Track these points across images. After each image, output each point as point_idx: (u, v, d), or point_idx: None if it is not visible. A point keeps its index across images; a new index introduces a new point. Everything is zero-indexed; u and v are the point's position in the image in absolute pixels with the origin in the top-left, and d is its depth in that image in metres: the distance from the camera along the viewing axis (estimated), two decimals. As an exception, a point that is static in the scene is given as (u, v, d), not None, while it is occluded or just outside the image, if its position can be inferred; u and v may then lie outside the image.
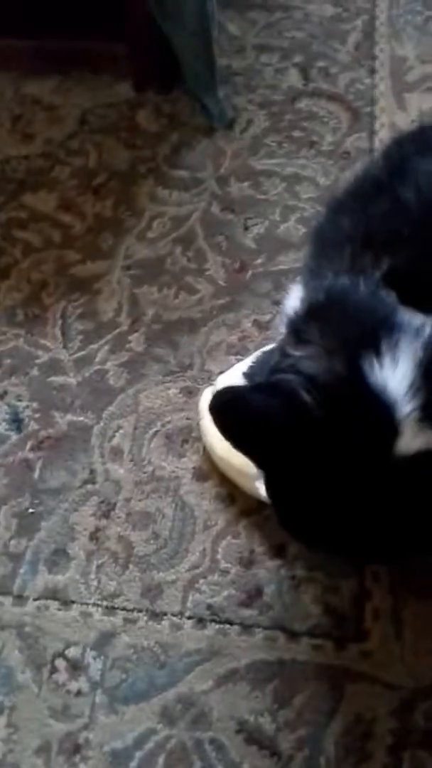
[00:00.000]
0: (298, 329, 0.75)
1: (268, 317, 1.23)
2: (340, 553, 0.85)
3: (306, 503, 0.73)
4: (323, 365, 0.69)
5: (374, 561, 0.91)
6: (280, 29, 1.67)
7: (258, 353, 1.13)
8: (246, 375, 1.03)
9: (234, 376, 1.09)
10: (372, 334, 0.68)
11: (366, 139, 1.45)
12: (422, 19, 1.66)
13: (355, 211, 0.82)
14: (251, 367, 0.99)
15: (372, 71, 1.57)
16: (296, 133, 1.48)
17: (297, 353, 0.72)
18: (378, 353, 0.67)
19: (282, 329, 1.03)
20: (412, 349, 0.67)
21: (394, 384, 0.66)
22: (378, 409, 0.67)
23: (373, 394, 0.67)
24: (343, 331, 0.70)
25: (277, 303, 1.25)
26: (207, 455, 1.09)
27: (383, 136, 1.44)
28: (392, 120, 1.47)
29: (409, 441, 0.67)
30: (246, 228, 1.35)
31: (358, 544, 0.74)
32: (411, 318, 0.69)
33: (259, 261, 1.30)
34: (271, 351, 0.82)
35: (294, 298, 0.85)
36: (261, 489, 0.99)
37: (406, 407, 0.66)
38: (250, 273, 1.29)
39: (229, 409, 0.71)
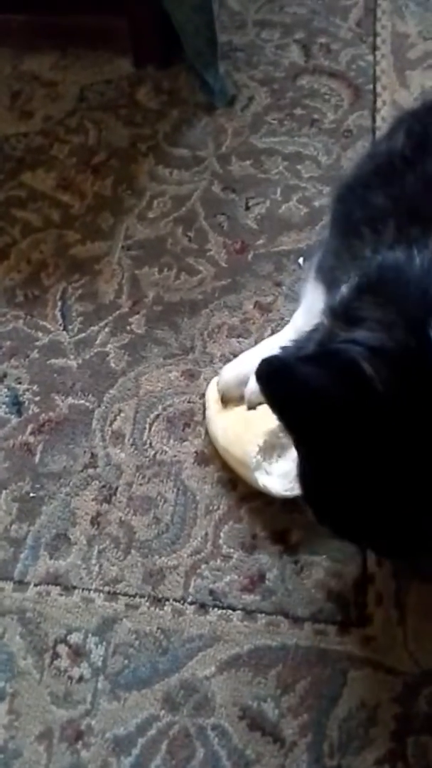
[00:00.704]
0: (347, 309, 0.70)
1: (270, 299, 1.22)
2: (383, 550, 0.81)
3: (354, 490, 0.69)
4: (385, 337, 0.65)
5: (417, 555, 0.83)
6: (282, 5, 1.64)
7: (263, 343, 1.11)
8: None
9: (239, 364, 1.08)
10: None
11: (368, 117, 1.42)
12: (426, -6, 1.63)
13: (384, 187, 0.79)
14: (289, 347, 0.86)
15: (374, 48, 1.54)
16: (297, 111, 1.45)
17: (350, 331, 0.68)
18: None
19: (301, 321, 1.00)
20: None
21: None
22: None
23: None
24: (403, 303, 0.66)
25: (279, 284, 1.23)
26: (209, 440, 1.08)
27: (385, 114, 1.42)
28: (394, 98, 1.44)
29: None
30: (247, 208, 1.33)
31: (406, 539, 0.71)
32: None
33: (260, 241, 1.28)
34: (313, 330, 0.76)
35: (314, 296, 0.82)
36: (260, 479, 0.98)
37: None
38: (251, 254, 1.27)
39: (278, 380, 0.65)
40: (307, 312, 0.98)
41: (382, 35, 1.56)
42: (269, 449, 0.99)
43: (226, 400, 1.05)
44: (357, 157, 1.29)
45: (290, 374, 0.65)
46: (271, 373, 0.65)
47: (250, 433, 1.00)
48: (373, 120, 1.42)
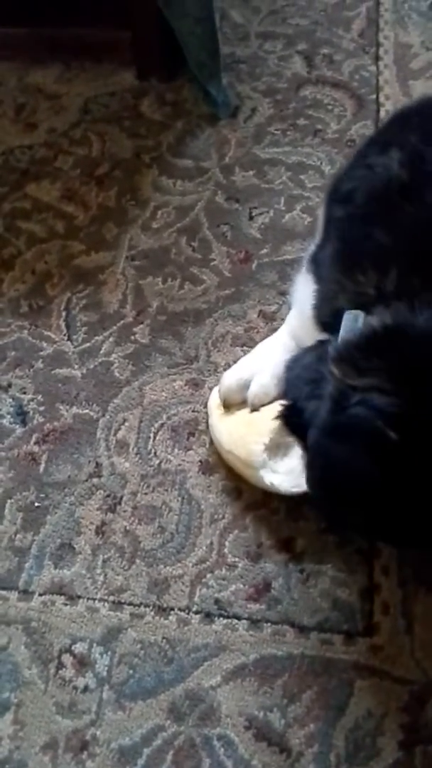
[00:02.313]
0: (354, 360, 0.72)
1: (274, 308, 1.22)
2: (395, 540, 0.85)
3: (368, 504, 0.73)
4: (398, 400, 0.67)
5: None
6: (284, 16, 1.65)
7: (259, 346, 1.12)
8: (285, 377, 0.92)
9: (239, 369, 1.08)
10: None
11: (371, 127, 1.43)
12: (427, 5, 1.64)
13: (387, 220, 0.79)
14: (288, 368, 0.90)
15: (376, 58, 1.54)
16: (301, 121, 1.46)
17: (359, 384, 0.70)
18: None
19: (295, 322, 1.02)
20: None
21: None
22: None
23: None
24: (410, 363, 0.69)
25: (283, 293, 1.23)
26: (213, 448, 1.08)
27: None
28: (397, 107, 1.45)
29: None
30: (251, 217, 1.34)
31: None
32: None
33: (264, 251, 1.29)
34: (305, 350, 0.82)
35: (305, 289, 0.83)
36: (266, 477, 0.98)
37: None
38: (255, 263, 1.28)
39: (324, 479, 0.72)
40: (300, 313, 0.98)
41: (385, 45, 1.57)
42: (274, 447, 0.99)
43: (228, 405, 1.06)
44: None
45: (330, 463, 0.71)
46: (317, 473, 0.72)
47: (253, 434, 1.00)
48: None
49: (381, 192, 0.83)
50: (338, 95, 1.50)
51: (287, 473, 0.99)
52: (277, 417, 0.80)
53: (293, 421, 0.79)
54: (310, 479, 0.76)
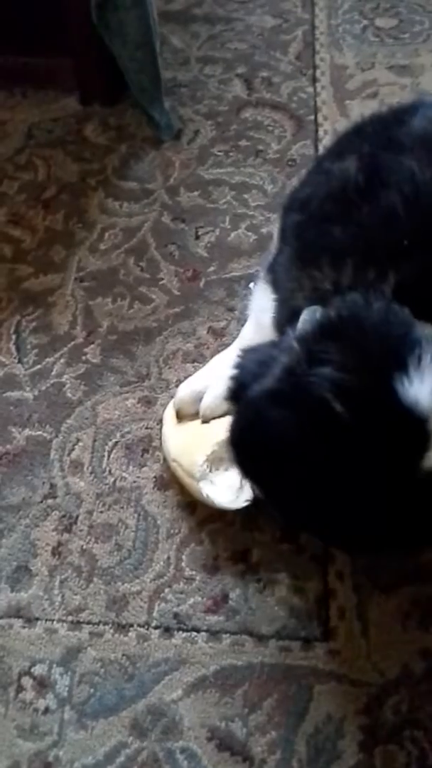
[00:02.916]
0: (310, 349, 0.74)
1: (223, 324, 1.24)
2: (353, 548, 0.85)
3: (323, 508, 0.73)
4: (349, 378, 0.69)
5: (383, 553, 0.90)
6: (223, 41, 1.69)
7: (214, 360, 1.14)
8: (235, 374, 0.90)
9: (193, 381, 1.10)
10: (395, 352, 0.69)
11: (310, 146, 1.47)
12: (360, 27, 1.70)
13: (344, 219, 0.81)
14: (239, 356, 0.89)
15: (314, 80, 1.59)
16: (242, 143, 1.50)
17: (313, 365, 0.71)
18: (405, 370, 0.68)
19: (250, 334, 1.03)
20: None
21: (425, 399, 0.67)
22: (410, 423, 0.67)
23: (406, 409, 0.67)
24: (364, 349, 0.70)
25: (232, 309, 1.26)
26: (168, 464, 1.09)
27: (327, 143, 1.47)
28: (335, 127, 1.50)
29: None
30: (197, 237, 1.36)
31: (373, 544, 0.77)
32: (428, 332, 0.70)
33: (211, 269, 1.31)
34: (274, 346, 0.81)
35: (262, 298, 0.84)
36: (204, 489, 0.99)
37: None
38: (203, 281, 1.30)
39: (250, 432, 0.71)
40: (257, 324, 1.00)
41: (321, 67, 1.62)
42: (217, 460, 1.01)
43: (181, 416, 1.07)
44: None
45: (261, 427, 0.70)
46: (244, 426, 0.71)
47: (199, 445, 1.01)
48: (316, 149, 1.47)
49: (338, 193, 0.85)
50: (278, 116, 1.54)
51: (225, 487, 1.00)
52: (225, 394, 0.79)
53: (237, 394, 0.78)
54: (235, 432, 0.73)
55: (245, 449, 0.74)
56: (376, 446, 0.68)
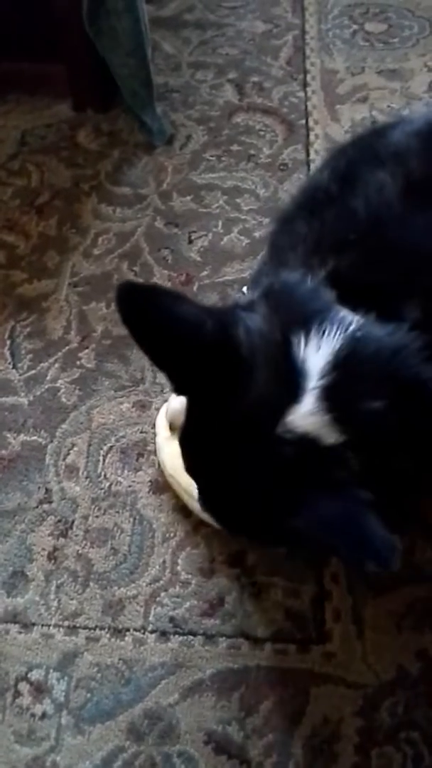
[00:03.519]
0: (250, 302, 0.80)
1: (216, 328, 1.24)
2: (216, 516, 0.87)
3: (199, 437, 0.79)
4: (264, 326, 0.75)
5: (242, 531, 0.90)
6: (214, 46, 1.70)
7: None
8: None
9: None
10: (307, 319, 0.74)
11: (302, 151, 1.48)
12: (350, 32, 1.71)
13: (308, 218, 0.87)
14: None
15: (304, 85, 1.60)
16: (234, 147, 1.50)
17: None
18: (307, 334, 0.73)
19: None
20: (336, 338, 0.73)
21: (312, 361, 0.72)
22: (292, 372, 0.72)
23: (293, 361, 0.73)
24: (285, 312, 0.76)
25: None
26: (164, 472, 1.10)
27: (318, 147, 1.48)
28: (326, 131, 1.50)
29: (304, 415, 0.71)
30: (190, 241, 1.37)
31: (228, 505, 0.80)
32: (343, 314, 0.75)
33: (204, 273, 1.32)
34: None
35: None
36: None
37: (313, 381, 0.72)
38: (196, 285, 1.30)
39: (154, 297, 0.74)
40: None
41: (312, 72, 1.63)
42: None
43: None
44: (294, 189, 1.34)
45: (169, 301, 0.75)
46: (138, 290, 0.75)
47: None
48: (307, 153, 1.48)
49: (309, 199, 0.92)
50: (269, 121, 1.54)
51: None
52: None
53: None
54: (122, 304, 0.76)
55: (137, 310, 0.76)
56: (255, 389, 0.73)
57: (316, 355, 0.72)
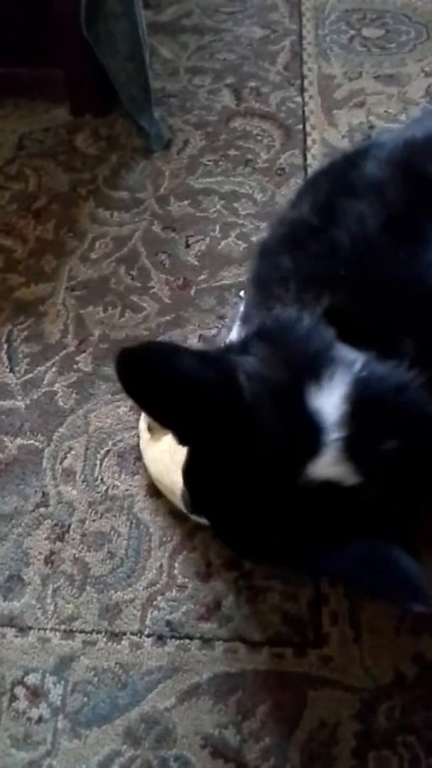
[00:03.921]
0: (243, 345, 0.79)
1: (213, 331, 1.25)
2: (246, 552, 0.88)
3: (213, 488, 0.79)
4: (265, 369, 0.74)
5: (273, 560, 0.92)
6: (212, 52, 1.71)
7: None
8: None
9: None
10: (313, 362, 0.74)
11: (299, 156, 1.48)
12: (347, 38, 1.71)
13: (292, 251, 0.88)
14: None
15: (302, 90, 1.61)
16: (232, 152, 1.51)
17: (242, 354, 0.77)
18: (317, 379, 0.73)
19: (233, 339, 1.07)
20: (344, 382, 0.73)
21: (327, 410, 0.72)
22: (308, 423, 0.72)
23: (307, 413, 0.72)
24: (286, 353, 0.76)
25: (222, 317, 1.26)
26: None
27: (315, 152, 1.48)
28: (323, 136, 1.51)
29: (325, 465, 0.72)
30: (187, 245, 1.37)
31: (257, 544, 0.80)
32: (345, 353, 0.75)
33: (202, 277, 1.32)
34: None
35: (236, 335, 0.87)
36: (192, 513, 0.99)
37: (334, 434, 0.72)
38: (193, 289, 1.30)
39: (152, 358, 0.73)
40: (238, 334, 1.02)
41: (309, 77, 1.64)
42: None
43: (152, 430, 1.07)
44: (291, 193, 1.34)
45: (170, 358, 0.74)
46: (141, 351, 0.74)
47: (175, 462, 1.01)
48: (305, 158, 1.48)
49: (289, 234, 0.92)
50: (266, 126, 1.55)
51: None
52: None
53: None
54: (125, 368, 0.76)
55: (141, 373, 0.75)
56: (269, 439, 0.72)
57: (329, 401, 0.72)
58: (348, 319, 0.78)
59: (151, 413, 0.77)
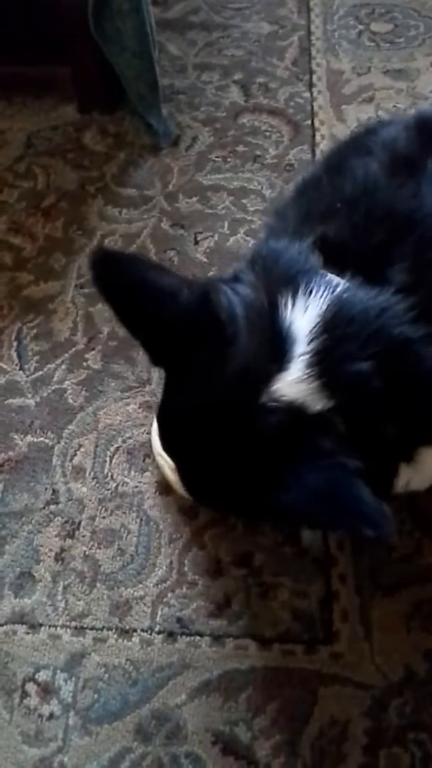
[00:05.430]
0: (239, 271, 0.81)
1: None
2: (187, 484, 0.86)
3: (176, 412, 0.78)
4: (248, 292, 0.75)
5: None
6: (220, 48, 1.70)
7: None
8: None
9: None
10: (292, 281, 0.74)
11: (308, 151, 1.48)
12: (356, 33, 1.70)
13: (298, 200, 0.90)
14: None
15: (310, 85, 1.60)
16: (240, 148, 1.50)
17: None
18: (294, 296, 0.73)
19: None
20: (323, 301, 0.73)
21: (299, 324, 0.71)
22: (278, 337, 0.71)
23: (279, 325, 0.72)
24: (271, 276, 0.76)
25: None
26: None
27: (324, 148, 1.47)
28: (332, 132, 1.50)
29: (291, 383, 0.70)
30: (196, 242, 1.37)
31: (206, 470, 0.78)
32: (330, 277, 0.75)
33: (210, 274, 1.32)
34: None
35: None
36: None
37: (301, 347, 0.70)
38: (203, 285, 1.30)
39: (130, 264, 0.75)
40: None
41: (318, 73, 1.63)
42: None
43: None
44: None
45: (153, 268, 0.76)
46: (117, 255, 0.77)
47: None
48: (313, 154, 1.48)
49: (300, 188, 0.94)
50: (275, 122, 1.54)
51: None
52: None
53: None
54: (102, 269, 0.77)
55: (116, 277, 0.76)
56: (238, 355, 0.72)
57: (303, 317, 0.71)
58: (337, 248, 0.78)
59: (121, 319, 0.75)
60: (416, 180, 0.80)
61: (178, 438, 0.79)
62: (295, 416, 0.69)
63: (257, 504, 0.72)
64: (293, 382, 0.69)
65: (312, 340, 0.70)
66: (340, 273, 0.75)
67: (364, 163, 0.84)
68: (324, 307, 0.72)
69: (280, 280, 0.74)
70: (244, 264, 0.81)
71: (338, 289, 0.73)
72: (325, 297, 0.72)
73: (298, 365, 0.70)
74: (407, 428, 0.74)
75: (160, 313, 0.73)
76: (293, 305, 0.72)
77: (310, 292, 0.72)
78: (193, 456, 0.78)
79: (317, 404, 0.69)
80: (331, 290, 0.73)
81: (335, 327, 0.71)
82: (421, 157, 0.82)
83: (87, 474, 1.11)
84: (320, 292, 0.73)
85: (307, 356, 0.70)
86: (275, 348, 0.70)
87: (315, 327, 0.70)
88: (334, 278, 0.75)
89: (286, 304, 0.72)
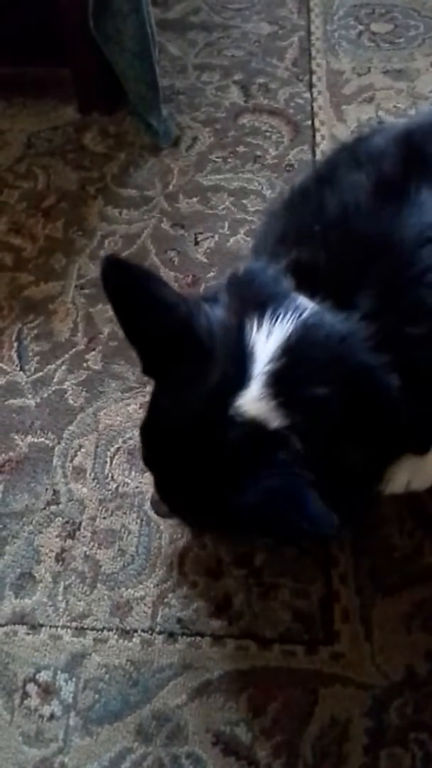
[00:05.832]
0: (215, 293, 0.83)
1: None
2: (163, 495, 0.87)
3: (156, 426, 0.81)
4: (222, 313, 0.78)
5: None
6: (220, 48, 1.70)
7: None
8: None
9: None
10: (262, 304, 0.76)
11: (308, 151, 1.48)
12: (356, 33, 1.70)
13: (284, 213, 0.92)
14: None
15: (310, 85, 1.60)
16: (240, 148, 1.50)
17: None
18: (260, 318, 0.75)
19: None
20: (288, 324, 0.75)
21: (261, 346, 0.74)
22: (242, 357, 0.74)
23: (243, 346, 0.74)
24: (243, 298, 0.79)
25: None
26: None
27: (324, 148, 1.47)
28: (332, 132, 1.50)
29: (251, 400, 0.73)
30: (196, 242, 1.37)
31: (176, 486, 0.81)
32: (299, 301, 0.77)
33: (210, 274, 1.32)
34: None
35: None
36: None
37: (260, 367, 0.73)
38: (202, 286, 1.30)
39: (137, 273, 0.77)
40: None
41: (318, 73, 1.63)
42: None
43: None
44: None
45: (149, 278, 0.78)
46: (125, 265, 0.78)
47: None
48: (313, 154, 1.48)
49: (290, 197, 0.94)
50: (275, 122, 1.54)
51: None
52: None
53: None
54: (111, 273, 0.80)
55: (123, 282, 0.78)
56: (208, 373, 0.74)
57: (267, 340, 0.74)
58: (310, 272, 0.80)
59: (123, 326, 0.79)
60: (398, 205, 0.81)
61: (155, 449, 0.82)
62: (257, 431, 0.73)
63: (221, 509, 0.75)
64: (253, 400, 0.73)
65: (271, 362, 0.73)
66: (311, 296, 0.77)
67: (351, 180, 0.85)
68: (289, 330, 0.75)
69: (250, 303, 0.77)
70: (225, 283, 0.83)
71: (305, 314, 0.76)
72: (292, 321, 0.75)
73: (256, 384, 0.73)
74: (371, 452, 0.77)
75: (157, 324, 0.76)
76: (258, 328, 0.75)
77: (278, 316, 0.75)
78: (168, 466, 0.81)
79: (275, 422, 0.73)
80: (298, 314, 0.75)
81: (296, 350, 0.74)
82: (404, 181, 0.83)
83: (87, 474, 1.11)
84: (287, 316, 0.75)
85: (264, 376, 0.73)
86: (239, 366, 0.74)
87: (276, 349, 0.74)
88: (304, 302, 0.77)
89: (252, 326, 0.75)
